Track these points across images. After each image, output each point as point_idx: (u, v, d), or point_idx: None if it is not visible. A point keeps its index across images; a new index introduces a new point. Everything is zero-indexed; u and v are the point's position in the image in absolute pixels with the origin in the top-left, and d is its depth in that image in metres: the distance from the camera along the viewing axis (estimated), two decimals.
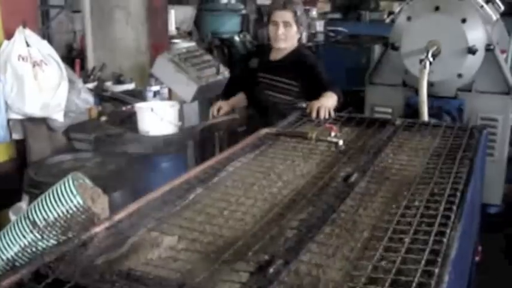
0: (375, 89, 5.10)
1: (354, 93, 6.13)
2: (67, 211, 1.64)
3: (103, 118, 4.42)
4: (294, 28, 3.55)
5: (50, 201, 1.65)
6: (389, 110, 4.93)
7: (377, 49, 5.47)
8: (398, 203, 2.00)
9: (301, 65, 3.62)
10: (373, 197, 2.08)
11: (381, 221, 1.87)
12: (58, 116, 3.92)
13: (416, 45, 4.51)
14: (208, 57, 4.75)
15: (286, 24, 3.52)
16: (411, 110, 4.65)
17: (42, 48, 4.05)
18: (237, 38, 7.23)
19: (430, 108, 4.38)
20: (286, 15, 3.51)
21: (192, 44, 4.97)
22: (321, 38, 7.67)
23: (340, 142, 2.54)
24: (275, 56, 3.75)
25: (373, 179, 2.25)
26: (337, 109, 3.24)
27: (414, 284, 1.42)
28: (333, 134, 2.57)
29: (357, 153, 2.54)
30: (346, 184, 2.12)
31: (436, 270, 1.49)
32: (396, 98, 4.90)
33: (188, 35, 6.79)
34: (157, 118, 3.89)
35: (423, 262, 1.53)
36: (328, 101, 3.24)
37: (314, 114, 3.09)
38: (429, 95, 4.35)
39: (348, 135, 2.82)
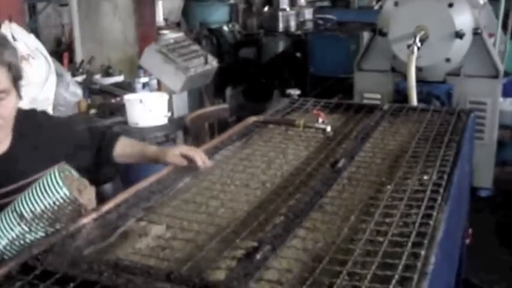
0: (363, 76, 5.11)
1: (343, 80, 6.16)
2: (54, 203, 1.64)
3: (92, 111, 4.42)
4: (14, 94, 1.91)
5: (37, 193, 1.65)
6: (379, 96, 4.94)
7: (366, 36, 5.47)
8: (385, 187, 2.01)
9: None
10: (360, 182, 2.08)
11: (367, 205, 1.88)
12: (47, 110, 3.92)
13: (404, 31, 4.51)
14: (196, 47, 4.76)
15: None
16: (400, 95, 4.66)
17: (29, 42, 4.04)
18: (225, 28, 7.23)
19: (419, 93, 4.39)
20: None
21: (180, 34, 4.96)
22: (309, 26, 7.65)
23: (328, 128, 2.54)
24: None
25: (361, 164, 2.26)
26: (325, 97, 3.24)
27: (401, 266, 1.43)
28: (320, 120, 2.57)
29: (344, 139, 2.55)
30: (333, 170, 2.12)
31: (423, 252, 1.50)
32: (385, 83, 4.91)
33: (176, 26, 6.78)
34: (146, 109, 3.89)
35: (409, 244, 1.54)
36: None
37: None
38: (418, 80, 4.37)
39: (335, 122, 2.82)
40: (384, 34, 4.69)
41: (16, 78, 1.89)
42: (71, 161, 1.94)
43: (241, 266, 1.45)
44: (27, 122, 2.08)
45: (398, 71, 4.79)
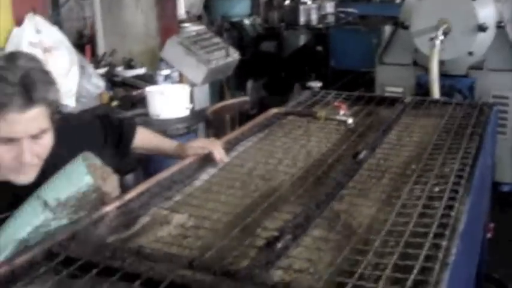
0: (385, 69, 5.10)
1: (364, 74, 6.14)
2: (78, 190, 1.66)
3: (114, 103, 4.45)
4: (50, 130, 1.79)
5: (62, 181, 1.67)
6: (400, 90, 4.92)
7: (387, 29, 5.45)
8: (407, 178, 2.01)
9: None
10: (381, 174, 2.08)
11: (389, 196, 1.88)
12: (70, 101, 3.96)
13: (427, 24, 4.49)
14: (217, 39, 4.78)
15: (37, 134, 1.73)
16: (422, 89, 4.64)
17: (52, 35, 4.08)
18: (246, 21, 7.22)
19: (441, 87, 4.37)
20: (36, 120, 1.70)
21: (202, 27, 4.97)
22: (331, 19, 7.64)
23: (349, 120, 2.54)
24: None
25: (383, 156, 2.26)
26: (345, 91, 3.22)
27: (422, 256, 1.43)
28: (342, 112, 2.57)
29: (366, 131, 2.54)
30: (355, 161, 2.12)
31: (444, 243, 1.50)
32: (407, 77, 4.89)
33: (198, 19, 6.79)
34: (167, 101, 3.91)
35: (431, 235, 1.54)
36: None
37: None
38: (440, 74, 4.34)
39: (357, 114, 2.82)
40: (406, 27, 4.68)
41: (53, 114, 1.77)
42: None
43: (262, 255, 1.46)
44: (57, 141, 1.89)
45: (420, 64, 4.77)
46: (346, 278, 1.37)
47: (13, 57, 1.72)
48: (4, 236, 1.68)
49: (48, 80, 1.74)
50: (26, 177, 1.78)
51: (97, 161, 1.77)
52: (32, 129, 1.69)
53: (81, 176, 1.66)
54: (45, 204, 1.65)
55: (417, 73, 4.81)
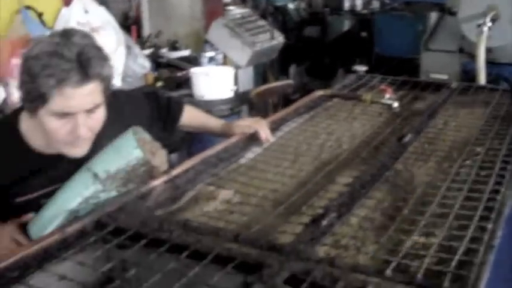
0: (430, 56, 5.05)
1: (409, 61, 6.08)
2: (128, 163, 1.69)
3: (159, 83, 4.49)
4: (103, 108, 1.84)
5: (112, 154, 1.70)
6: (445, 77, 4.87)
7: (433, 16, 5.38)
8: (452, 162, 2.00)
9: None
10: (426, 157, 2.08)
11: (434, 179, 1.88)
12: (116, 81, 4.01)
13: (474, 10, 4.43)
14: (262, 22, 4.78)
15: (91, 109, 1.78)
16: (468, 76, 4.58)
17: (100, 15, 4.13)
18: (291, 6, 7.21)
19: (487, 74, 4.31)
20: (90, 95, 1.75)
21: (247, 10, 4.98)
22: (376, 5, 7.56)
23: (395, 104, 2.54)
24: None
25: (427, 139, 2.25)
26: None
27: (467, 238, 1.43)
28: (387, 96, 2.57)
29: (411, 115, 2.54)
30: (400, 144, 2.12)
31: (490, 226, 1.49)
32: (452, 64, 4.84)
33: (242, 2, 6.80)
34: (212, 83, 3.94)
35: (476, 218, 1.54)
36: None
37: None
38: (487, 62, 4.28)
39: (402, 98, 2.80)
40: (453, 13, 4.63)
41: (106, 90, 1.83)
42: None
43: (307, 231, 1.47)
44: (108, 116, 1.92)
45: (466, 51, 4.71)
46: (391, 256, 1.38)
47: (68, 34, 1.76)
48: (55, 206, 1.73)
49: (102, 56, 1.78)
50: (79, 150, 1.84)
51: (146, 136, 1.81)
52: (87, 104, 1.74)
53: (131, 149, 1.69)
54: (95, 176, 1.69)
55: (463, 60, 4.76)
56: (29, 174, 1.88)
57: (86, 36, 1.80)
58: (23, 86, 1.74)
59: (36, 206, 1.82)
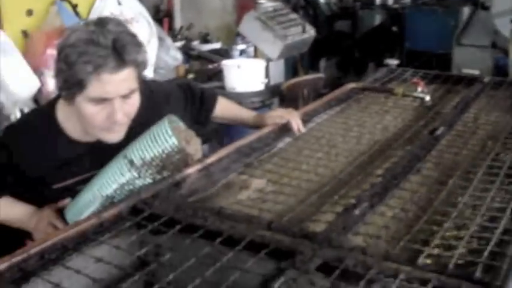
0: (462, 51, 5.03)
1: (440, 56, 6.04)
2: (163, 151, 1.72)
3: (190, 76, 4.53)
4: (137, 93, 1.88)
5: (147, 142, 1.73)
6: (477, 72, 4.84)
7: (465, 11, 5.35)
8: (484, 155, 2.00)
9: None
10: (458, 150, 2.08)
11: (466, 171, 1.88)
12: (148, 72, 4.04)
13: (508, 5, 4.40)
14: (294, 16, 4.79)
15: (127, 95, 1.82)
16: (500, 71, 4.55)
17: (133, 6, 4.17)
18: (321, 0, 7.20)
19: None
20: (126, 81, 1.79)
21: (278, 3, 4.99)
22: None
23: (427, 97, 2.54)
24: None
25: (460, 133, 2.25)
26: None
27: (499, 230, 1.43)
28: (419, 89, 2.57)
29: (443, 109, 2.53)
30: (432, 137, 2.13)
31: None
32: (485, 59, 4.81)
33: None
34: (243, 75, 3.96)
35: (509, 210, 1.54)
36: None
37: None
38: None
39: (434, 92, 2.80)
40: (486, 8, 4.60)
41: (141, 75, 1.88)
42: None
43: (340, 220, 1.49)
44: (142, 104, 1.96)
45: (499, 46, 4.68)
46: (422, 246, 1.39)
47: (102, 22, 1.80)
48: (91, 192, 1.77)
49: (136, 42, 1.82)
50: (116, 136, 1.88)
51: (181, 124, 1.84)
52: (122, 90, 1.78)
53: (167, 137, 1.72)
54: (131, 163, 1.72)
55: (495, 55, 4.73)
56: (66, 161, 1.93)
57: (120, 24, 1.84)
58: (60, 74, 1.78)
59: (73, 192, 1.88)
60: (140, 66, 1.83)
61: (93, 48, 1.71)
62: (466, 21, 5.04)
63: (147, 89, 2.00)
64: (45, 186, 1.92)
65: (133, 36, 1.83)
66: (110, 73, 1.72)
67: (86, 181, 1.86)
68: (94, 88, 1.74)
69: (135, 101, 1.86)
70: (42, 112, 2.13)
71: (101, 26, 1.77)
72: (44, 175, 1.90)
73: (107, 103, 1.78)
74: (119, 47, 1.73)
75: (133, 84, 1.82)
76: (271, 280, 1.22)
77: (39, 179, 1.90)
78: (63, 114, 1.94)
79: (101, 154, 1.87)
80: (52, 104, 1.99)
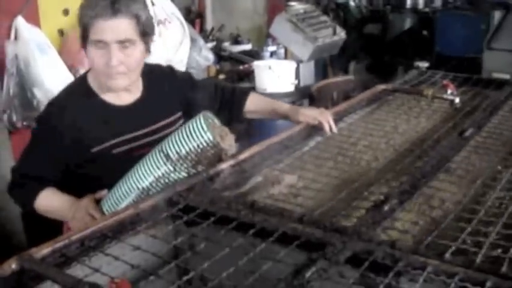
0: (493, 55, 5.01)
1: (471, 60, 6.02)
2: (198, 146, 1.77)
3: (221, 76, 4.59)
4: (140, 47, 2.07)
5: (183, 137, 1.79)
6: (508, 76, 4.82)
7: (497, 15, 5.33)
8: None
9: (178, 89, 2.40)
10: (487, 151, 2.10)
11: (494, 171, 1.91)
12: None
13: None
14: (325, 18, 4.83)
15: (125, 43, 2.01)
16: None
17: (166, 7, 4.23)
18: (352, 3, 7.22)
19: None
20: (121, 28, 2.00)
21: (309, 5, 5.04)
22: (438, 3, 7.49)
23: (457, 100, 2.56)
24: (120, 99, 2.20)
25: (489, 134, 2.27)
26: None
27: None
28: (449, 91, 2.59)
29: (472, 111, 2.55)
30: (461, 138, 2.15)
31: None
32: None
33: None
34: (274, 76, 4.01)
35: None
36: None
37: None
38: None
39: (464, 94, 2.82)
40: None
41: (144, 32, 2.07)
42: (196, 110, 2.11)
43: (369, 215, 1.53)
44: (154, 73, 2.32)
45: None
46: (450, 241, 1.42)
47: None
48: (128, 184, 1.83)
49: None
50: (118, 83, 2.08)
51: (216, 120, 1.89)
52: (118, 35, 1.99)
53: (202, 132, 1.77)
54: (167, 157, 1.78)
55: None
56: (102, 122, 2.13)
57: None
58: (79, 23, 2.04)
59: (109, 157, 2.09)
60: (137, 18, 2.02)
61: (95, 0, 1.98)
62: (497, 25, 5.02)
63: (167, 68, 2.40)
64: (85, 151, 2.08)
65: None
66: (105, 19, 1.97)
67: (118, 145, 2.11)
68: (94, 31, 1.99)
69: (134, 53, 2.05)
70: (77, 81, 2.35)
71: None
72: (83, 137, 2.08)
73: (106, 49, 1.99)
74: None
75: (131, 34, 2.02)
76: (302, 270, 1.26)
77: (78, 141, 2.07)
78: (93, 79, 2.17)
79: (128, 119, 2.14)
80: (84, 74, 2.24)
